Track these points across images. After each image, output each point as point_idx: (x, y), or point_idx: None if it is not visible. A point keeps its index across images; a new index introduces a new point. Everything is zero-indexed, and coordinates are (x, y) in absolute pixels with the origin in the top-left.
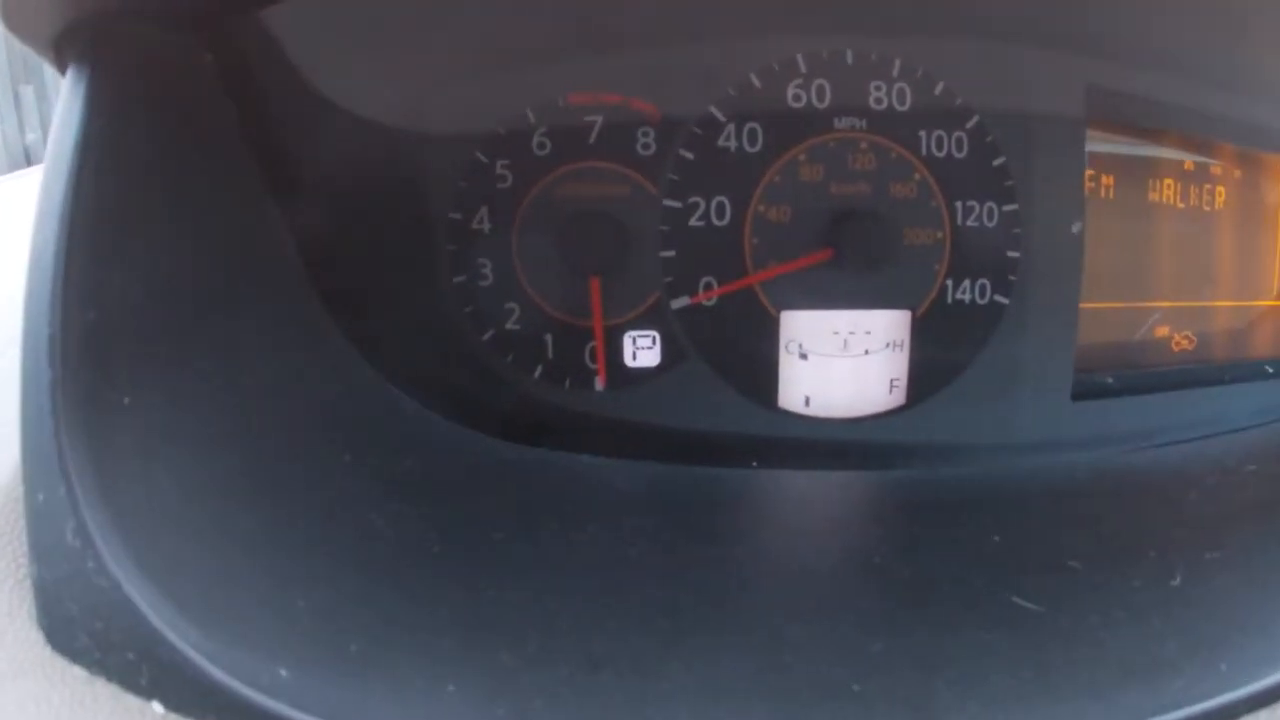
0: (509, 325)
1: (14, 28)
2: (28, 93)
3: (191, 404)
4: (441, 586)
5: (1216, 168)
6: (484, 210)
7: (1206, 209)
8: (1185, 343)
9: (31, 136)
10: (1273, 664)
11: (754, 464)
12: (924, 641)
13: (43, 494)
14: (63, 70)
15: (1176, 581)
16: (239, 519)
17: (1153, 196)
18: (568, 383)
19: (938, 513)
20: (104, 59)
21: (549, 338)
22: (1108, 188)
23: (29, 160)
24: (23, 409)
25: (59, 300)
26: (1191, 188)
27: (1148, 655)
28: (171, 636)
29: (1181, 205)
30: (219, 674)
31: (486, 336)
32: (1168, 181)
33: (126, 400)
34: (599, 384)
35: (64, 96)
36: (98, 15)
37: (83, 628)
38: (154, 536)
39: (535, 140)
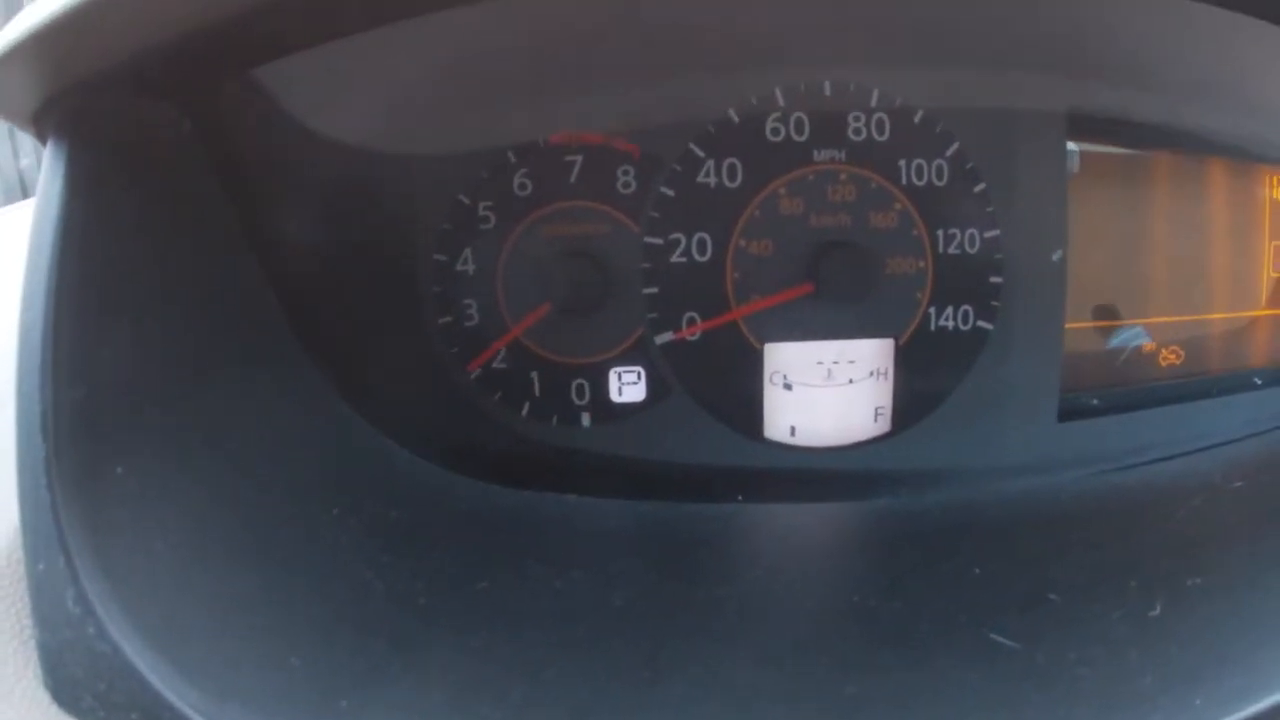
0: (495, 364)
1: None
2: None
3: (183, 469)
4: (429, 639)
5: (1201, 182)
6: (468, 251)
7: (1194, 224)
8: (1173, 357)
9: (25, 162)
10: (1248, 697)
11: (739, 497)
12: (900, 682)
13: (43, 564)
14: (43, 141)
15: (1156, 611)
16: (233, 580)
17: (1139, 214)
18: (555, 420)
19: (920, 545)
20: (82, 132)
21: (535, 375)
22: (1090, 208)
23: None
24: (19, 483)
25: (49, 377)
26: (1176, 203)
27: (1123, 690)
28: (171, 697)
29: (1168, 221)
30: None
31: (474, 376)
32: (1154, 198)
33: (120, 469)
34: (585, 420)
35: (44, 171)
36: (74, 89)
37: (86, 689)
38: (151, 601)
39: (517, 181)
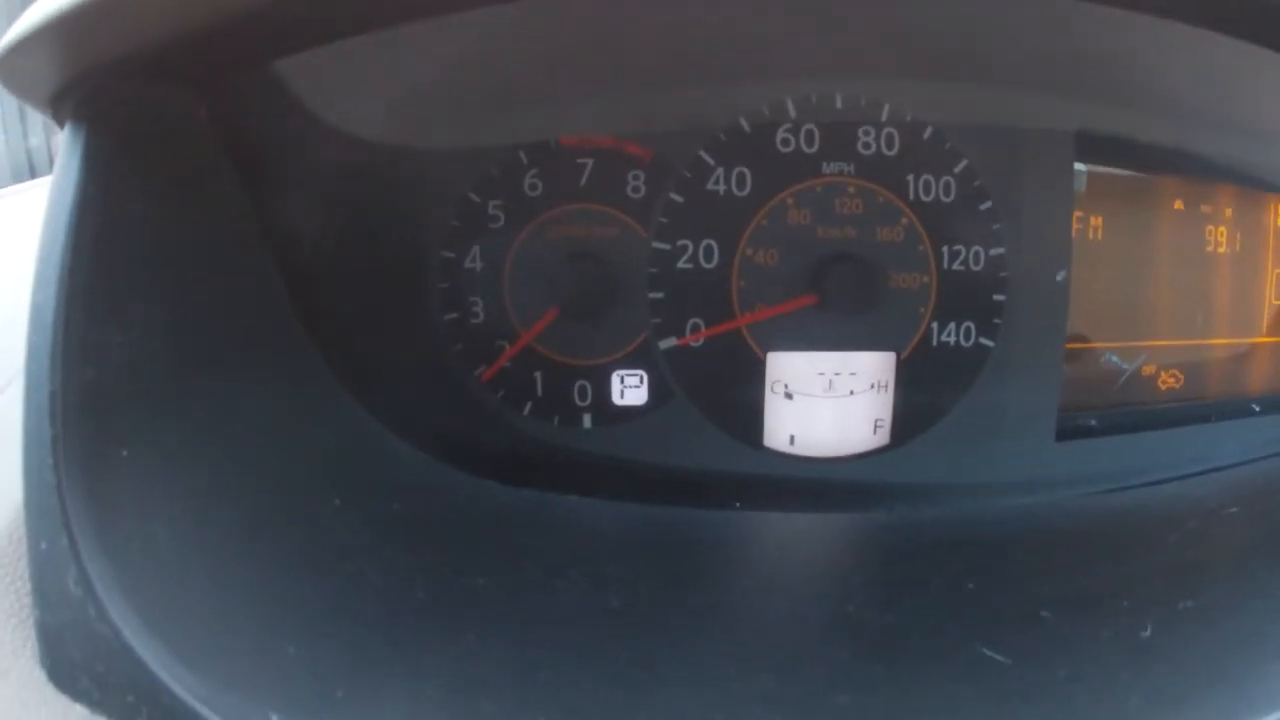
0: (498, 360)
1: (11, 87)
2: None
3: (188, 455)
4: (425, 634)
5: (1207, 207)
6: (476, 249)
7: (1198, 248)
8: (1173, 380)
9: (34, 141)
10: (1236, 718)
11: (737, 504)
12: (891, 694)
13: (45, 543)
14: (60, 124)
15: (1147, 632)
16: (233, 568)
17: (1143, 237)
18: (556, 420)
19: (915, 558)
20: (99, 117)
21: (538, 375)
22: (1096, 229)
23: (31, 165)
24: (25, 463)
25: (59, 358)
26: (1181, 228)
27: (1112, 708)
28: (168, 680)
29: (1172, 245)
30: (212, 717)
31: (477, 373)
32: (1159, 222)
33: (125, 453)
34: (587, 421)
35: (61, 154)
36: (93, 73)
37: (84, 670)
38: (152, 585)
39: (527, 181)
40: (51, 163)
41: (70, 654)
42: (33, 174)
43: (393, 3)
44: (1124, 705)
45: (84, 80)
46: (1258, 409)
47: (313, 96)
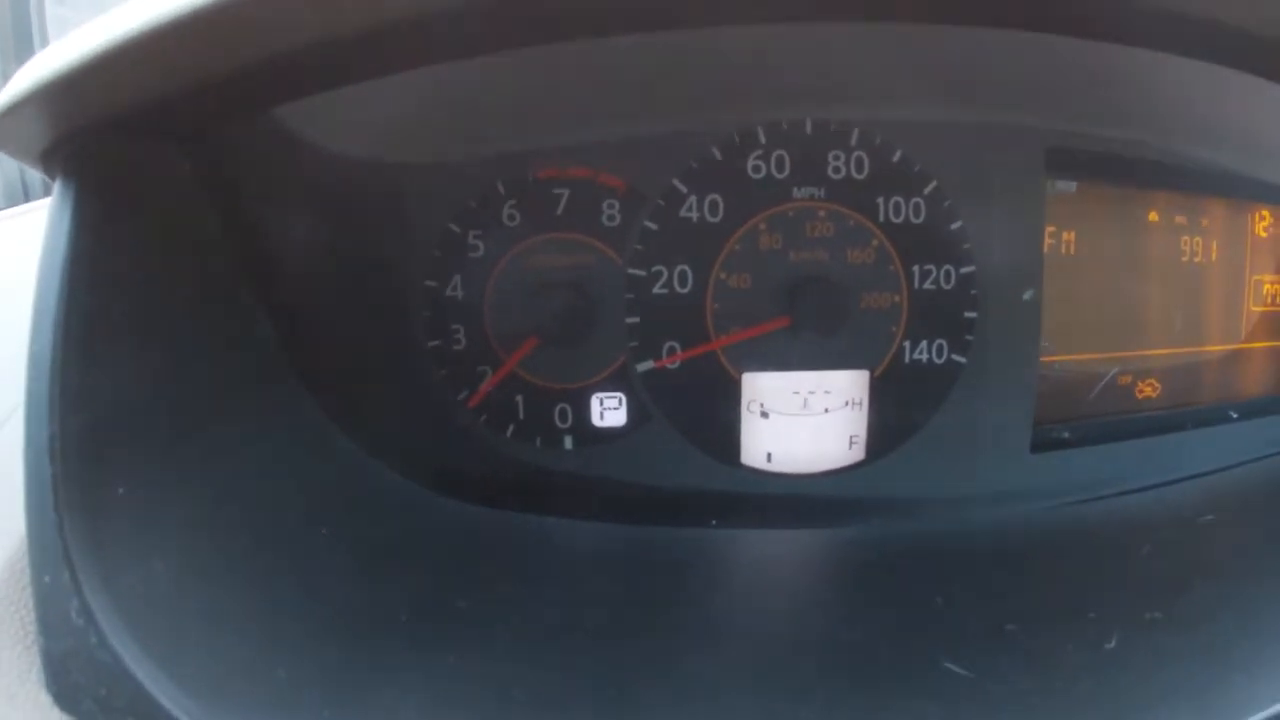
0: (481, 386)
1: (2, 146)
2: None
3: (181, 490)
4: (409, 656)
5: (1181, 218)
6: (457, 278)
7: (1174, 259)
8: (1150, 390)
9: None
10: None
11: (713, 522)
12: (855, 709)
13: (48, 577)
14: (51, 179)
15: (1112, 644)
16: (226, 596)
17: (1117, 250)
18: (538, 441)
19: (887, 573)
20: (88, 172)
21: (520, 399)
22: (1069, 244)
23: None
24: (27, 502)
25: (56, 403)
26: (1156, 239)
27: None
28: (165, 703)
29: (1148, 257)
30: None
31: (460, 398)
32: (1133, 234)
33: (121, 490)
34: (568, 443)
35: (51, 209)
36: (80, 132)
37: (87, 694)
38: (150, 613)
39: (505, 212)
40: (45, 186)
41: (74, 679)
42: (26, 197)
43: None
44: (1086, 716)
45: (72, 138)
46: (1235, 416)
47: (296, 129)
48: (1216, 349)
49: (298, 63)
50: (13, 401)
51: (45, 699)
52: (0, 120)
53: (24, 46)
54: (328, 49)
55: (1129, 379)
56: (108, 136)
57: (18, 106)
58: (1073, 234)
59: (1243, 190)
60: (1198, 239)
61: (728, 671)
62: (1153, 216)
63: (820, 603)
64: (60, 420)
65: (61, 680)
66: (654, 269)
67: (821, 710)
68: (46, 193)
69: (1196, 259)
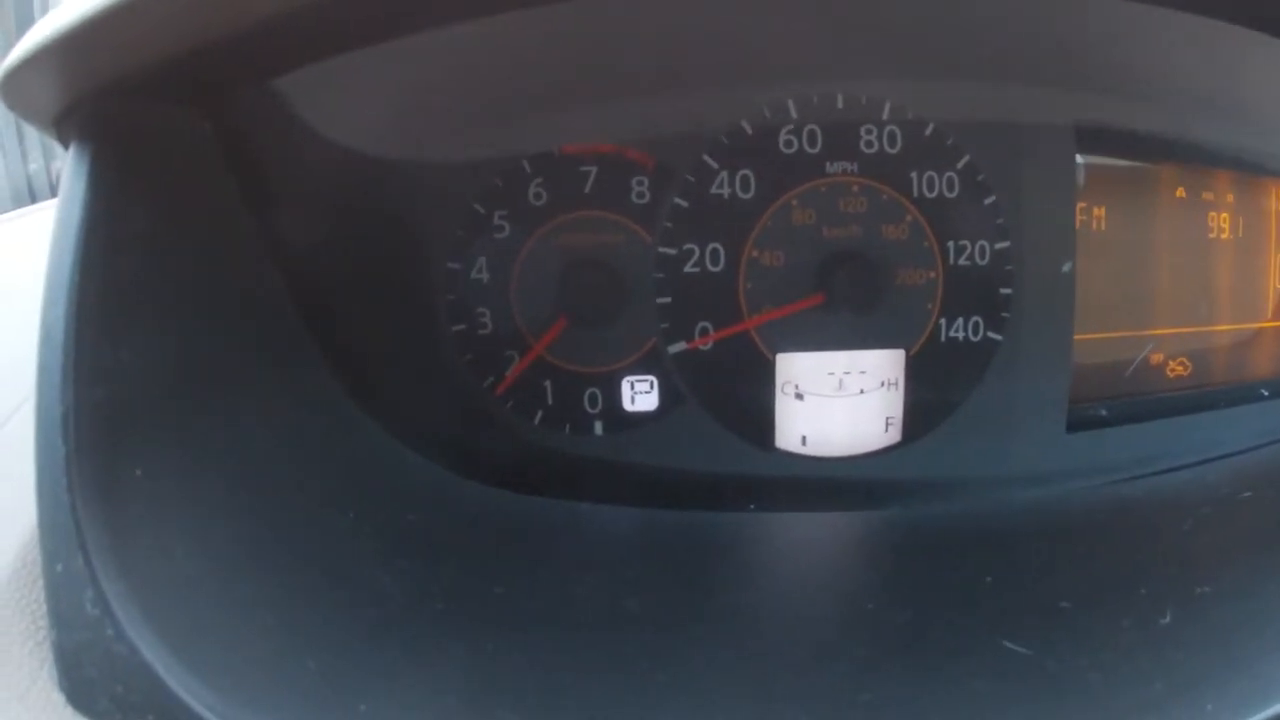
0: (508, 372)
1: (14, 107)
2: None
3: (201, 472)
4: (445, 644)
5: (1209, 194)
6: (482, 260)
7: (1200, 235)
8: (1181, 369)
9: (34, 166)
10: (1258, 702)
11: (751, 506)
12: (912, 690)
13: (61, 565)
14: (65, 144)
15: (1167, 619)
16: (249, 584)
17: (1146, 226)
18: (567, 428)
19: (931, 554)
20: (104, 137)
21: (548, 384)
22: (1099, 219)
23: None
24: (38, 483)
25: (70, 377)
26: (1185, 215)
27: (1134, 697)
28: (187, 698)
29: (1175, 233)
30: None
31: (486, 384)
32: (1161, 210)
33: (138, 472)
34: (598, 429)
35: (66, 174)
36: (95, 93)
37: (103, 690)
38: (168, 603)
39: (531, 191)
40: (51, 188)
41: (88, 675)
42: (32, 199)
43: (393, 16)
44: (1146, 692)
45: (86, 100)
46: (1266, 394)
47: (314, 111)
48: (1244, 326)
49: (303, 23)
50: (21, 394)
51: (58, 698)
52: (11, 79)
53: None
54: (331, 8)
55: (1160, 358)
56: (122, 98)
57: (27, 65)
58: (1103, 210)
59: (1266, 166)
60: (1224, 215)
61: (777, 654)
62: (1180, 193)
63: (865, 585)
64: (74, 396)
65: (75, 676)
66: (685, 247)
67: (878, 688)
68: (53, 194)
69: (1223, 235)
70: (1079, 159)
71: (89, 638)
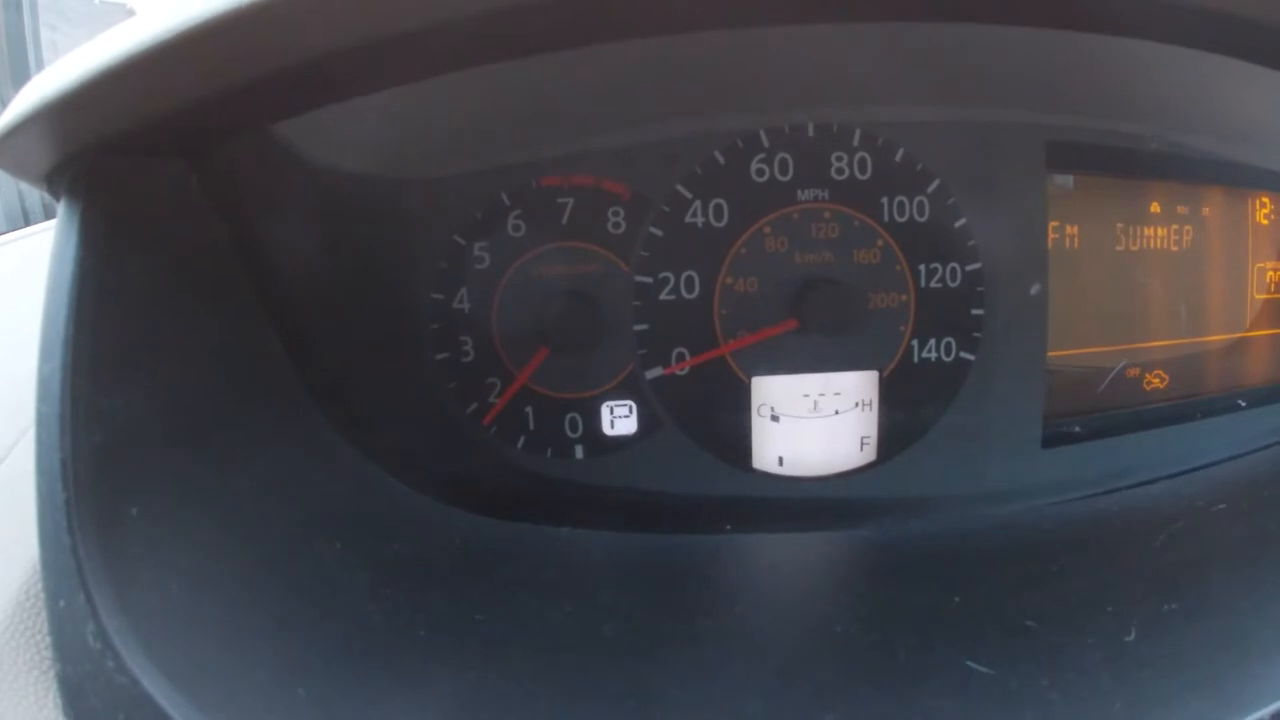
0: (491, 399)
1: (5, 167)
2: None
3: (195, 510)
4: (428, 671)
5: (1183, 208)
6: (464, 290)
7: (1175, 249)
8: (1158, 381)
9: (26, 185)
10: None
11: (728, 527)
12: (876, 711)
13: (63, 600)
14: (56, 199)
15: (1131, 637)
16: (244, 615)
17: (1119, 241)
18: (549, 452)
19: (902, 574)
20: (95, 191)
21: (530, 410)
22: (1072, 237)
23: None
24: (40, 526)
25: (68, 426)
26: (1159, 229)
27: (1093, 715)
28: None
29: (1149, 247)
30: None
31: (470, 410)
32: (1134, 225)
33: (135, 511)
34: (579, 452)
35: (58, 228)
36: (84, 152)
37: (105, 719)
38: (167, 635)
39: (510, 222)
40: (45, 209)
41: (91, 705)
42: (26, 220)
43: (382, 69)
44: (1106, 711)
45: (75, 159)
46: (1243, 404)
47: (300, 146)
48: (1222, 338)
49: (298, 78)
50: (20, 425)
51: None
52: (2, 141)
53: (20, 70)
54: (328, 63)
55: (1137, 371)
56: (111, 155)
57: (20, 127)
58: (1076, 228)
59: (1242, 178)
60: (1200, 228)
61: (749, 678)
62: (1155, 208)
63: (837, 604)
64: (71, 443)
65: (79, 706)
66: (660, 275)
67: (843, 711)
68: (47, 216)
69: (1199, 248)
70: (1051, 177)
71: (91, 669)
